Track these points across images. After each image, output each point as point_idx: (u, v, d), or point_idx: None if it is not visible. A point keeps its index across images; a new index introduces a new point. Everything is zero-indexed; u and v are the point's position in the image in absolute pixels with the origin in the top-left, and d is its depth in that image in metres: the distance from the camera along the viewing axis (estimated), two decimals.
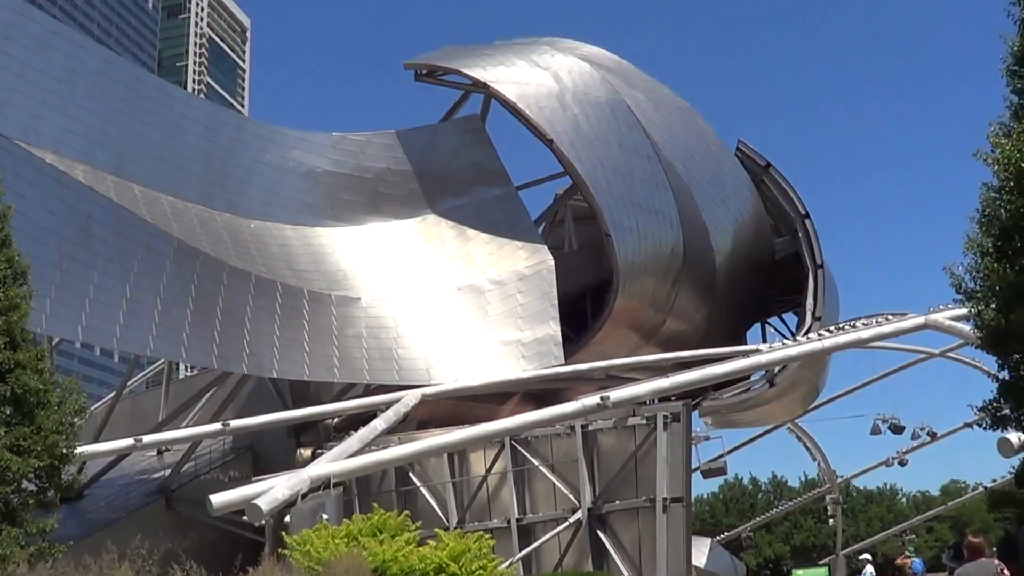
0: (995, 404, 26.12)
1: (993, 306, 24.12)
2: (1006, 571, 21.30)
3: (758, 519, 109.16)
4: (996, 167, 22.65)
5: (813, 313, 63.43)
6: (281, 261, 53.74)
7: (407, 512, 30.58)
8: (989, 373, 48.02)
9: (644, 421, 43.80)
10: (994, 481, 45.52)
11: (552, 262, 54.50)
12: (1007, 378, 25.15)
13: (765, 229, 69.12)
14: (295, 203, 57.57)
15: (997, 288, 23.29)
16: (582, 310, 58.66)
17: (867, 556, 38.81)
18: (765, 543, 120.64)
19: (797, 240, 67.47)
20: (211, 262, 48.54)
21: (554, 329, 52.07)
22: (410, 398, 44.98)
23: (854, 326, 52.77)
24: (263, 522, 36.53)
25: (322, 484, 34.64)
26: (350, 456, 37.63)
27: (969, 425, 31.27)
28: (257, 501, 32.85)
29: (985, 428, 26.83)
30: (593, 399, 40.02)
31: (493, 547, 29.77)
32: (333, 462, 36.58)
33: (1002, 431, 27.39)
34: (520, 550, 44.28)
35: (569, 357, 52.70)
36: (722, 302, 64.40)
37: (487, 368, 51.63)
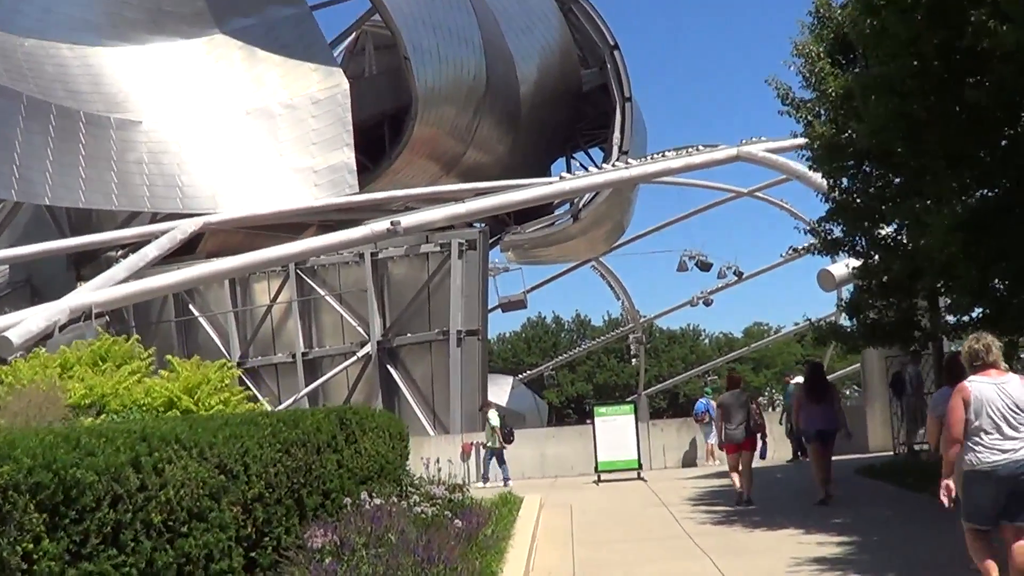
0: (824, 226, 25.97)
1: (825, 114, 23.42)
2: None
3: (561, 358, 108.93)
4: None
5: (620, 147, 62.03)
6: (56, 82, 49.98)
7: (138, 337, 27.96)
8: (796, 214, 47.09)
9: (438, 248, 42.22)
10: (797, 324, 45.12)
11: (347, 86, 51.52)
12: (836, 198, 24.60)
13: (573, 60, 66.98)
14: (72, 20, 53.10)
15: (831, 94, 22.21)
16: (380, 138, 56.18)
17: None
18: (568, 382, 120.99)
19: (605, 72, 65.65)
20: None
21: (348, 156, 49.46)
22: (187, 224, 42.01)
23: (664, 155, 51.68)
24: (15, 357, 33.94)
25: (83, 314, 32.19)
26: (115, 284, 35.10)
27: (798, 252, 31.28)
28: (7, 333, 30.24)
29: (815, 253, 27.03)
30: (383, 224, 37.98)
31: (237, 377, 27.21)
32: (96, 290, 34.05)
33: (833, 257, 27.38)
34: (306, 386, 42.55)
35: (365, 186, 50.37)
36: (526, 134, 62.39)
37: (278, 196, 48.91)
